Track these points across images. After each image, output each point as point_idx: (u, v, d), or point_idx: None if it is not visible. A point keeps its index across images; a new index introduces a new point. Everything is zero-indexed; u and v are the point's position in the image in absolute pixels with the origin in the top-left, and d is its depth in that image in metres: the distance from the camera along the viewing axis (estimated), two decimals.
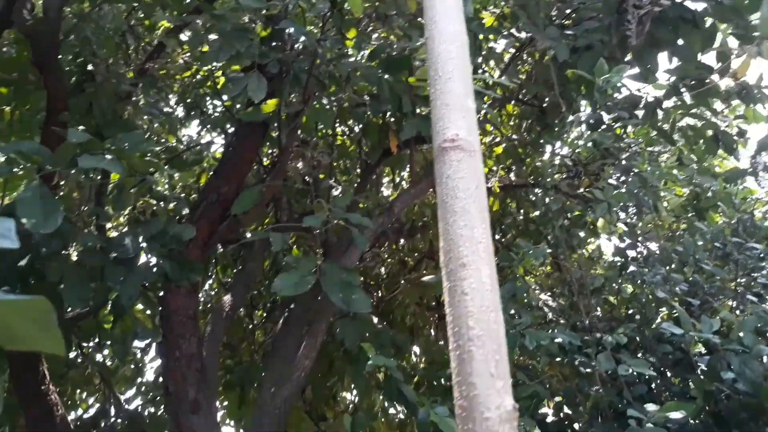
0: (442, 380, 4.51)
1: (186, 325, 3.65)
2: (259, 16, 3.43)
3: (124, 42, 4.42)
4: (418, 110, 3.85)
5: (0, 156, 3.41)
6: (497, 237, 5.53)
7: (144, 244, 3.19)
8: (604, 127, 4.69)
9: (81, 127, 4.21)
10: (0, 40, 4.27)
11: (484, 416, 0.99)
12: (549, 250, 4.91)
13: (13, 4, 3.90)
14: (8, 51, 4.75)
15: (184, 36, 4.37)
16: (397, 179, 6.12)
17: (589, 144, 5.48)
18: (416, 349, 6.38)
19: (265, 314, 6.19)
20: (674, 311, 4.63)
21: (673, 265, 4.61)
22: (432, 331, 6.55)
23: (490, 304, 1.08)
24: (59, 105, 3.74)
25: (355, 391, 6.33)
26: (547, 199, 5.21)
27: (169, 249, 3.31)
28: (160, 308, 3.63)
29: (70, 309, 3.55)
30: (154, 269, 3.21)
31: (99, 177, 3.80)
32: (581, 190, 5.45)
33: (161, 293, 3.73)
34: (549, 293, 5.85)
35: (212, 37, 3.43)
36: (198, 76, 4.97)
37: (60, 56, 3.95)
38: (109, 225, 4.46)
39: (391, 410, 6.50)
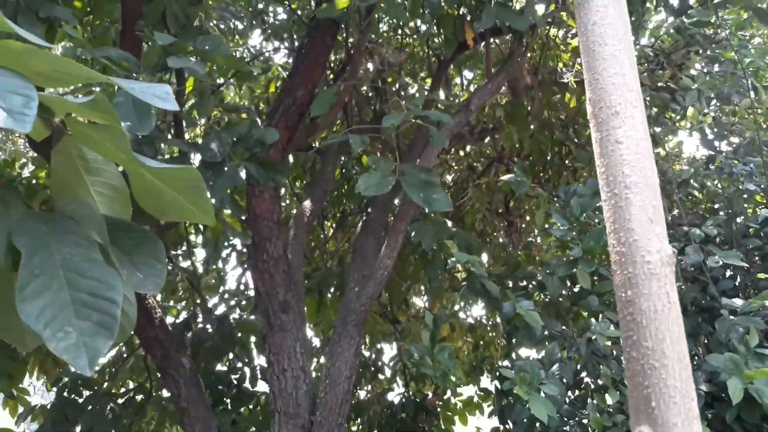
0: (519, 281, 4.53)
1: (272, 228, 3.76)
2: None
3: None
4: None
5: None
6: (574, 138, 5.36)
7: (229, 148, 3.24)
8: (694, 10, 4.38)
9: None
10: None
11: (645, 260, 0.97)
12: None
13: None
14: None
15: None
16: (465, 81, 5.95)
17: (672, 31, 5.15)
18: (485, 256, 6.42)
19: (335, 224, 6.31)
20: (762, 206, 4.45)
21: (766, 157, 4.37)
22: (501, 237, 6.55)
23: (644, 151, 1.04)
24: (134, 14, 3.73)
25: (426, 296, 6.48)
26: None
27: (252, 153, 3.36)
28: (247, 213, 3.73)
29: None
30: (241, 172, 3.27)
31: (175, 84, 3.84)
32: (663, 82, 5.17)
33: (245, 198, 3.83)
34: None
35: None
36: None
37: None
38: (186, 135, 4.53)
39: (461, 314, 6.66)
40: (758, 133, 3.79)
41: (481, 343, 6.38)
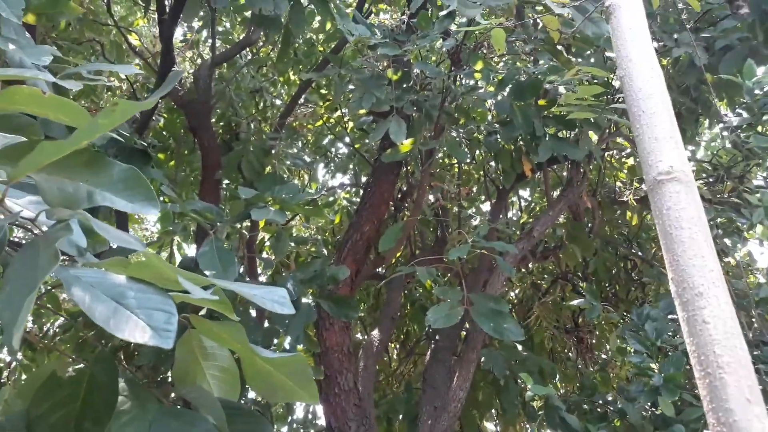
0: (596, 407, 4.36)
1: (342, 360, 3.81)
2: (389, 62, 3.59)
3: (260, 99, 4.77)
4: (549, 131, 3.84)
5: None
6: (638, 252, 5.32)
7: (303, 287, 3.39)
8: (753, 134, 4.43)
9: (226, 182, 4.58)
10: (155, 111, 4.74)
11: None
12: None
13: (165, 77, 4.33)
14: (159, 119, 5.27)
15: (314, 86, 4.64)
16: (523, 202, 6.07)
17: (729, 145, 5.19)
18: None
19: (398, 346, 6.29)
20: None
21: None
22: (571, 354, 6.36)
23: (733, 330, 1.08)
24: (213, 164, 4.09)
25: (497, 420, 6.25)
26: None
27: (323, 288, 3.49)
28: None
29: None
30: (315, 309, 3.39)
31: (249, 227, 4.10)
32: (725, 195, 5.15)
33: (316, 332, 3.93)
34: None
35: (350, 87, 3.63)
36: (328, 124, 5.25)
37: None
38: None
39: None
40: None
41: None
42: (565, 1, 2.46)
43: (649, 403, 3.77)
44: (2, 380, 4.36)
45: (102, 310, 0.96)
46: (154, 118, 5.30)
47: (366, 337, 4.87)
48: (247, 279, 4.10)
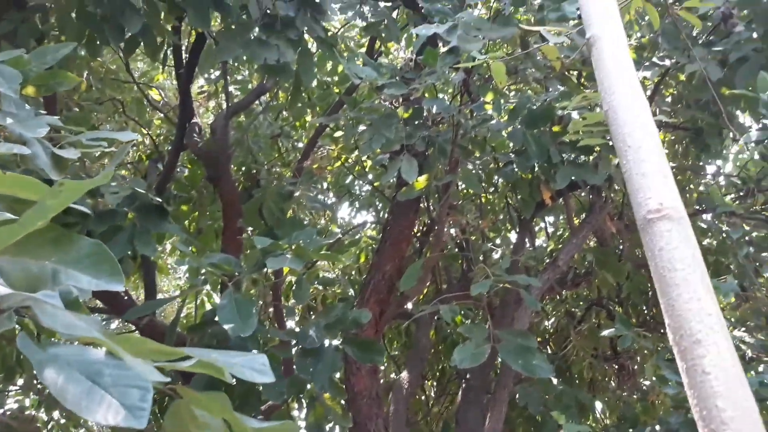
0: None
1: (371, 406, 3.75)
2: (398, 101, 3.60)
3: (278, 144, 4.84)
4: (567, 158, 3.78)
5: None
6: None
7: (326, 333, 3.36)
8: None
9: (250, 229, 4.62)
10: (176, 163, 4.84)
11: None
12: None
13: (185, 130, 4.44)
14: (181, 170, 5.39)
15: (330, 129, 4.69)
16: (550, 228, 5.97)
17: (756, 157, 5.02)
18: (599, 404, 6.01)
19: (434, 383, 6.18)
20: None
21: None
22: (613, 383, 6.14)
23: (736, 380, 1.01)
24: (234, 212, 4.13)
25: None
26: (721, 226, 4.80)
27: (347, 333, 3.46)
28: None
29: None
30: (340, 355, 3.35)
31: (273, 273, 4.11)
32: (757, 208, 4.97)
33: (341, 377, 3.88)
34: (743, 328, 5.28)
35: (361, 128, 3.65)
36: (347, 164, 5.29)
37: None
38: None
39: None
40: None
41: None
42: (562, 30, 2.43)
43: None
44: None
45: (74, 392, 0.96)
46: (178, 170, 5.43)
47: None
48: (275, 326, 4.11)
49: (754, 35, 3.75)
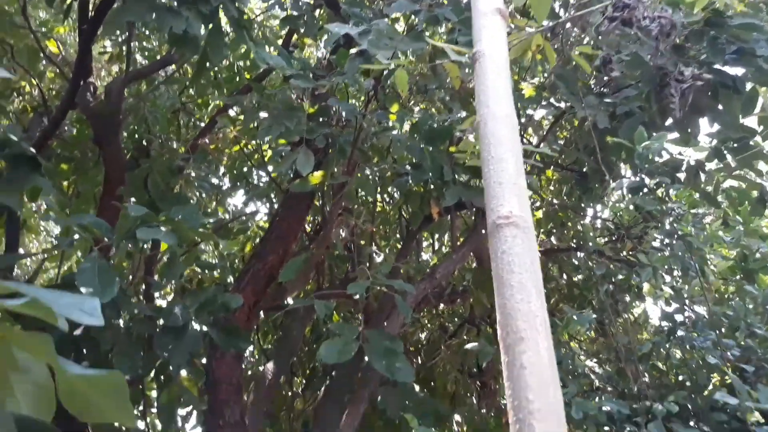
0: None
1: (230, 392, 3.68)
2: (306, 95, 3.61)
3: (177, 119, 4.68)
4: (458, 178, 3.94)
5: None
6: None
7: (192, 313, 3.27)
8: (645, 190, 4.69)
9: (133, 200, 4.42)
10: (63, 120, 4.55)
11: None
12: (594, 316, 4.83)
13: (78, 88, 4.19)
14: (69, 130, 5.07)
15: (233, 112, 4.60)
16: (437, 244, 6.16)
17: (631, 207, 5.46)
18: (458, 417, 6.23)
19: (304, 381, 6.16)
20: (727, 378, 4.45)
21: (723, 330, 4.47)
22: (474, 399, 6.40)
23: (548, 378, 1.10)
24: (117, 179, 3.94)
25: None
26: (590, 263, 5.16)
27: (215, 317, 3.38)
28: (206, 376, 3.67)
29: None
30: (203, 338, 3.27)
31: (149, 247, 3.95)
32: (624, 253, 5.39)
33: (205, 361, 3.79)
34: (595, 360, 5.70)
35: (263, 114, 3.61)
36: (246, 150, 5.19)
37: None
38: (156, 294, 4.57)
39: None
40: (708, 310, 3.91)
41: None
42: (465, 52, 2.55)
43: None
44: None
45: None
46: (65, 129, 5.10)
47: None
48: (138, 301, 3.94)
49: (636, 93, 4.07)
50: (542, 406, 1.06)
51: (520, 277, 1.18)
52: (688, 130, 4.33)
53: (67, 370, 1.10)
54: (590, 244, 5.16)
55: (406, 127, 3.90)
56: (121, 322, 3.67)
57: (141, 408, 4.77)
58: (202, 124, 5.48)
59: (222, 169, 5.32)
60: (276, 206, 5.26)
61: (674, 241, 5.12)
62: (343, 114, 3.91)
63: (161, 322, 3.29)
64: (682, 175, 4.75)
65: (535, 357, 1.10)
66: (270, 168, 5.51)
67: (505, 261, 1.20)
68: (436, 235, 6.17)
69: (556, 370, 1.13)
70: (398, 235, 5.90)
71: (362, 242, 4.99)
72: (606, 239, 5.64)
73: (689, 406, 4.12)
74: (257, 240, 5.46)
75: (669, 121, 4.33)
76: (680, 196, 5.26)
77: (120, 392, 1.20)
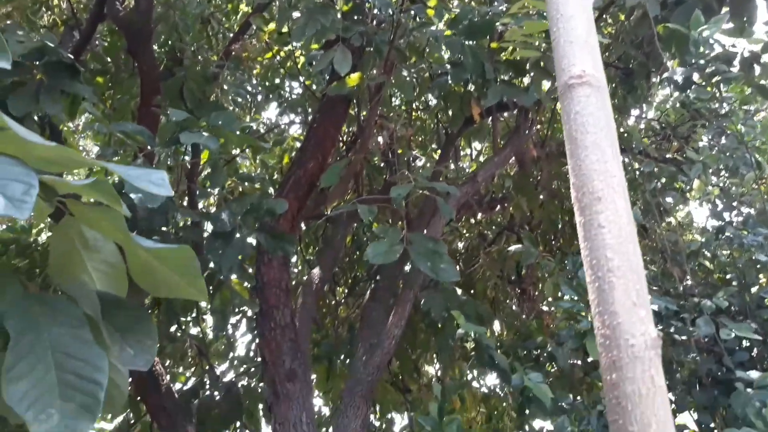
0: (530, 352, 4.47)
1: (280, 296, 3.77)
2: None
3: (209, 26, 4.57)
4: (500, 76, 3.80)
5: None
6: None
7: (239, 218, 3.30)
8: (694, 87, 4.47)
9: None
10: (95, 33, 4.49)
11: (629, 343, 0.98)
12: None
13: None
14: (101, 42, 5.01)
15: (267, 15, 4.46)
16: (474, 152, 6.06)
17: (678, 105, 5.24)
18: (497, 323, 6.34)
19: (346, 290, 6.30)
20: None
21: None
22: (514, 304, 6.48)
23: (627, 235, 1.06)
24: (152, 90, 3.91)
25: (438, 364, 6.37)
26: (636, 165, 5.03)
27: (262, 222, 3.42)
28: (255, 281, 3.75)
29: None
30: (251, 242, 3.32)
31: (191, 157, 3.96)
32: (670, 154, 5.23)
33: (255, 266, 3.87)
34: None
35: (296, 14, 3.49)
36: (278, 58, 5.08)
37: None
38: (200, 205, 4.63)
39: (474, 383, 6.50)
40: (765, 204, 3.79)
41: (495, 413, 6.20)
42: None
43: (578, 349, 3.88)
44: None
45: None
46: (96, 42, 5.04)
47: None
48: (185, 208, 3.99)
49: None
50: (622, 263, 1.03)
51: (595, 137, 1.12)
52: (744, 18, 4.06)
53: (139, 243, 1.10)
54: (635, 144, 5.01)
55: (444, 23, 3.73)
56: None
57: (194, 314, 4.97)
58: (231, 35, 5.37)
59: (254, 79, 5.23)
60: (311, 116, 5.20)
61: (723, 140, 4.93)
62: (379, 11, 3.76)
63: (209, 228, 3.34)
64: (734, 69, 4.50)
65: (614, 216, 1.06)
66: (302, 78, 5.41)
67: (578, 122, 1.14)
68: (474, 144, 6.07)
69: (634, 228, 1.09)
70: (434, 145, 5.81)
71: (399, 150, 4.93)
72: (651, 140, 5.46)
73: (735, 305, 4.09)
74: (293, 152, 5.44)
75: (723, 10, 4.06)
76: (732, 91, 5.01)
77: (190, 266, 1.20)
